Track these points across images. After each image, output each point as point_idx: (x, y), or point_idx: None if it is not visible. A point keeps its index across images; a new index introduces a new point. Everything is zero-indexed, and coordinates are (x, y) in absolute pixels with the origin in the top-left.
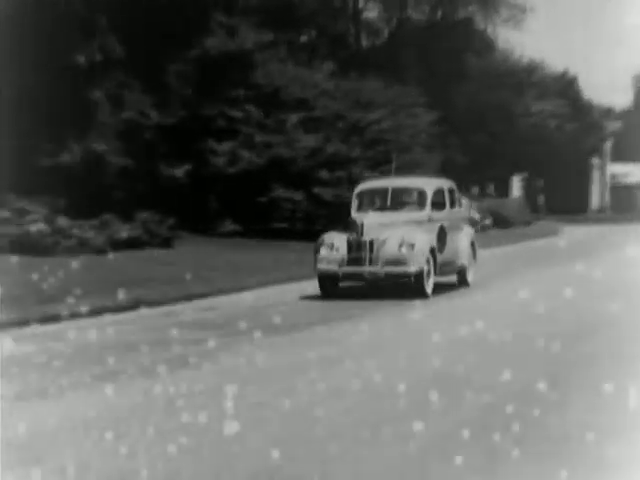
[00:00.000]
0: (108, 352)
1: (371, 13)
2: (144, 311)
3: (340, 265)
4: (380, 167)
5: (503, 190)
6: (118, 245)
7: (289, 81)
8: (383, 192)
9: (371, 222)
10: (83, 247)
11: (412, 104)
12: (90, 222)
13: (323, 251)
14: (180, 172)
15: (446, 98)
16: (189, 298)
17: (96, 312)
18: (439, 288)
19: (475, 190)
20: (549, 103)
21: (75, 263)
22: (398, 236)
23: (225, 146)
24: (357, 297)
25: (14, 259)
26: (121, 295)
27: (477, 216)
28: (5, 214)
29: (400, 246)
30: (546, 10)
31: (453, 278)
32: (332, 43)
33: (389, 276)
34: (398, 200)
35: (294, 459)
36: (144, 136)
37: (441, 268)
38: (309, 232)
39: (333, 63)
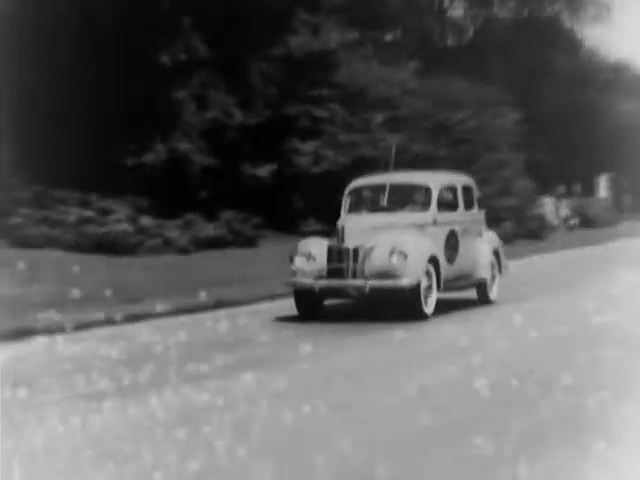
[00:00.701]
0: (198, 350)
1: (456, 11)
2: (229, 310)
3: (317, 278)
4: (466, 166)
5: (589, 189)
6: (202, 244)
7: (374, 80)
8: (379, 190)
9: (355, 226)
10: (167, 247)
11: (497, 103)
12: (174, 222)
13: (297, 261)
14: (264, 171)
15: (531, 97)
16: (272, 297)
17: (181, 311)
18: (449, 306)
19: (561, 189)
20: (636, 103)
21: (158, 262)
22: (388, 242)
23: (309, 145)
24: (338, 318)
25: (98, 259)
26: (204, 294)
27: (566, 214)
28: (89, 214)
29: (390, 254)
30: (634, 8)
31: (474, 293)
32: (417, 42)
33: (377, 292)
34: (397, 199)
35: None
36: (228, 135)
37: (451, 282)
38: None
39: (418, 62)
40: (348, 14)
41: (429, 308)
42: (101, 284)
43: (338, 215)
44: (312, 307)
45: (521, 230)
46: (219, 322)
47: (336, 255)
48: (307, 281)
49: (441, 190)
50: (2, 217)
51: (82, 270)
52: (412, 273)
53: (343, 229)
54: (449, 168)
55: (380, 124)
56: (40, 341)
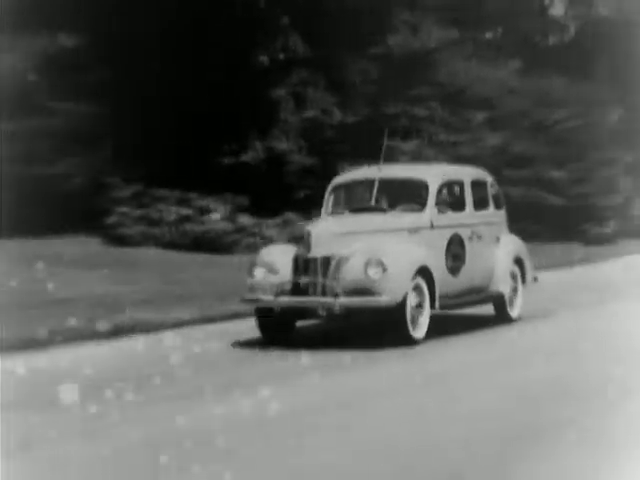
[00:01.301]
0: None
1: (557, 10)
2: None
3: (279, 294)
4: (568, 166)
5: None
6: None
7: (473, 79)
8: (367, 186)
9: (325, 230)
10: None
11: (601, 101)
12: (272, 220)
13: (256, 273)
14: None
15: (636, 95)
16: None
17: None
18: (455, 324)
19: None
20: None
21: None
22: (365, 251)
23: (409, 145)
24: (311, 343)
25: (196, 257)
26: None
27: None
28: (188, 212)
29: (366, 266)
30: None
31: (491, 308)
32: (517, 41)
33: (351, 311)
34: (388, 197)
35: None
36: (326, 134)
37: (455, 298)
38: None
39: (519, 61)
40: (448, 13)
41: (419, 331)
42: (198, 282)
43: None
44: (279, 329)
45: (624, 229)
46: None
47: (303, 267)
48: (266, 298)
49: (442, 186)
50: (101, 216)
51: (179, 268)
52: (394, 289)
53: (309, 234)
54: (549, 167)
55: (480, 123)
56: (140, 339)
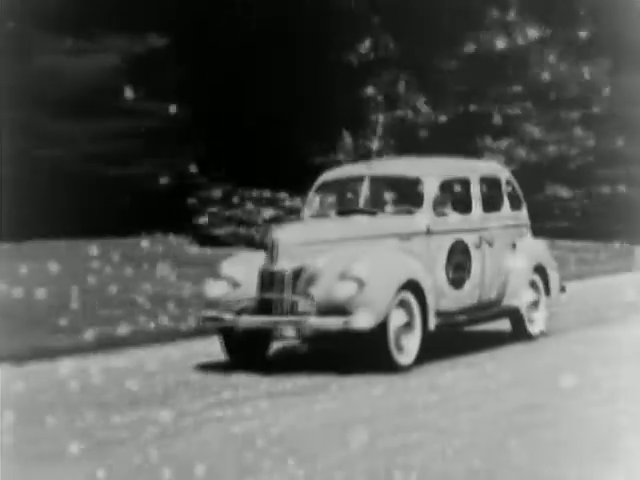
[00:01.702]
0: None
1: None
2: None
3: (241, 312)
4: None
5: None
6: None
7: (566, 78)
8: (357, 184)
9: (295, 238)
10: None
11: None
12: None
13: (216, 288)
14: None
15: None
16: None
17: None
18: (460, 342)
19: None
20: None
21: None
22: (339, 263)
23: (501, 143)
24: (279, 367)
25: None
26: None
27: None
28: (278, 212)
29: (339, 281)
30: None
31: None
32: (611, 39)
33: (324, 334)
34: (381, 197)
35: None
36: (417, 133)
37: (458, 315)
38: (588, 231)
39: (610, 59)
40: (540, 11)
41: (406, 356)
42: None
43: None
44: (249, 351)
45: None
46: None
47: (269, 281)
48: (226, 317)
49: (443, 184)
50: (191, 216)
51: None
52: (373, 307)
53: (275, 243)
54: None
55: (573, 122)
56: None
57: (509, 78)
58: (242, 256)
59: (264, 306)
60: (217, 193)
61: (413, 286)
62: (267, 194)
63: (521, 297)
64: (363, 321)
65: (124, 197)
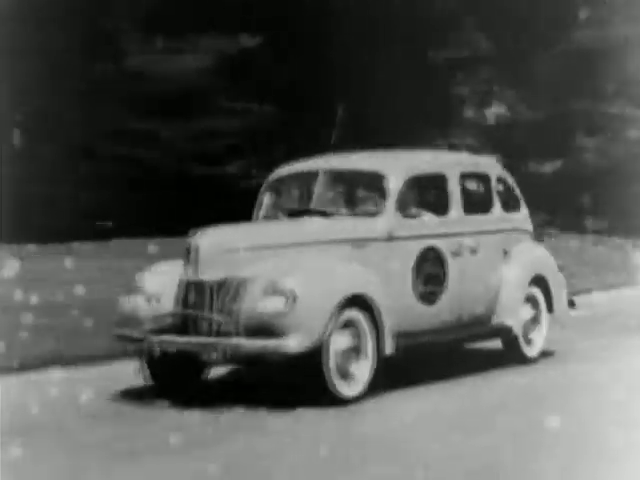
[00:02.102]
0: None
1: None
2: None
3: (160, 331)
4: None
5: None
6: None
7: None
8: (311, 180)
9: (220, 244)
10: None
11: None
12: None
13: (132, 303)
14: (549, 168)
15: None
16: None
17: None
18: (448, 366)
19: None
20: None
21: None
22: (269, 275)
23: (594, 141)
24: (208, 398)
25: None
26: None
27: None
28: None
29: (265, 295)
30: None
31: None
32: None
33: (251, 358)
34: (338, 196)
35: None
36: (512, 132)
37: (431, 334)
38: None
39: None
40: (636, 8)
41: (354, 386)
42: None
43: (619, 213)
44: (175, 376)
45: None
46: None
47: (190, 294)
48: (140, 336)
49: (411, 181)
50: None
51: None
52: (307, 328)
53: (196, 249)
54: None
55: None
56: None
57: (604, 75)
58: (164, 265)
59: (184, 324)
60: None
61: (363, 302)
62: None
63: (515, 314)
64: (294, 344)
65: (213, 196)
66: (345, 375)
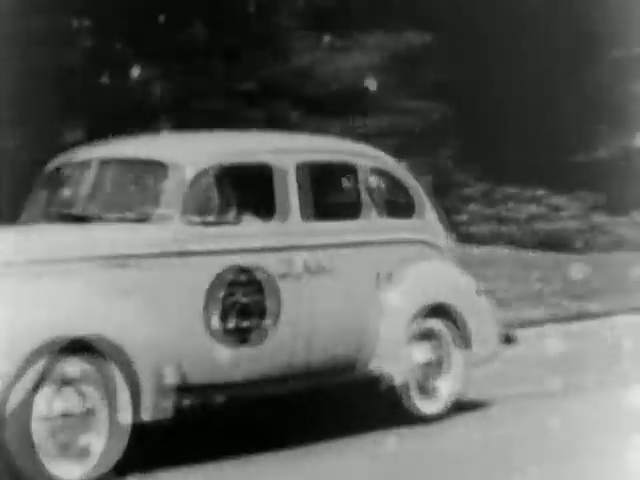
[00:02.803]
0: None
1: None
2: None
3: None
4: None
5: None
6: None
7: None
8: (84, 173)
9: None
10: (617, 244)
11: None
12: (624, 218)
13: None
14: None
15: None
16: None
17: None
18: (308, 424)
19: None
20: None
21: (608, 260)
22: None
23: None
24: None
25: (546, 256)
26: None
27: None
28: (539, 210)
29: None
30: None
31: None
32: None
33: None
34: (111, 194)
35: None
36: None
37: (252, 387)
38: None
39: None
40: None
41: (81, 466)
42: (546, 282)
43: None
44: None
45: None
46: None
47: None
48: None
49: (213, 173)
50: (450, 214)
51: (527, 267)
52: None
53: None
54: None
55: None
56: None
57: None
58: None
59: None
60: (477, 191)
61: (107, 349)
62: (528, 192)
63: (396, 357)
64: None
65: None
66: (70, 451)
